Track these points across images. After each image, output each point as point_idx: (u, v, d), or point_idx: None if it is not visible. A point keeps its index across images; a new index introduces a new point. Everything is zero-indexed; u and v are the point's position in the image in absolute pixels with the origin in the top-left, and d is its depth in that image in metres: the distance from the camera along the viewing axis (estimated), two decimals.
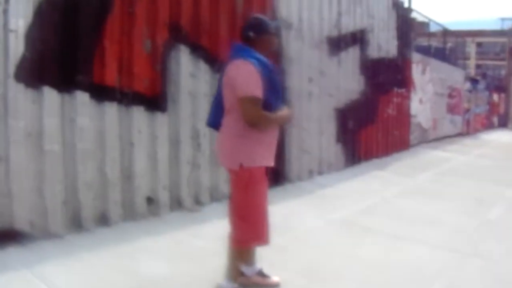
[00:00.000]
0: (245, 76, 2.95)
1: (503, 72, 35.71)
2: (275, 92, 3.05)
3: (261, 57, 3.01)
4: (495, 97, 27.47)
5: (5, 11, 3.78)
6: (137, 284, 3.43)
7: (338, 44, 7.92)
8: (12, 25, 3.82)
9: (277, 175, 6.51)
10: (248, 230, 3.11)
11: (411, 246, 4.65)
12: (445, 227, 5.29)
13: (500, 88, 29.59)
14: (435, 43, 18.55)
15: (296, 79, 6.91)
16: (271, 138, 3.12)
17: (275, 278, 3.40)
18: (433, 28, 19.82)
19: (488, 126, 24.74)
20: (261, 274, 3.38)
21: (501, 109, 29.26)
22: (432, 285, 3.70)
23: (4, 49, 3.79)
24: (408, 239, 4.83)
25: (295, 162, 7.01)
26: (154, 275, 3.60)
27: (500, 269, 4.18)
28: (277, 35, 3.09)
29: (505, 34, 40.27)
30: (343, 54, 8.22)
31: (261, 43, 3.07)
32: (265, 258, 3.42)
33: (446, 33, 19.08)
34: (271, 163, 3.12)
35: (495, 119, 27.42)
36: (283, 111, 3.14)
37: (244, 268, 3.29)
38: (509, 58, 32.47)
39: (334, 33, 7.79)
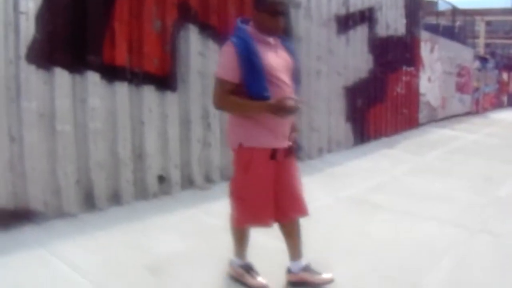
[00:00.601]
0: (221, 56, 2.95)
1: None
2: (255, 74, 2.76)
3: (247, 35, 2.80)
4: (505, 76, 27.16)
5: None
6: (151, 261, 3.49)
7: (346, 22, 7.87)
8: (22, 7, 3.83)
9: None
10: (246, 211, 3.00)
11: (421, 223, 4.68)
12: (454, 204, 5.32)
13: (509, 66, 29.22)
14: (443, 22, 18.34)
15: (305, 58, 6.87)
16: (275, 121, 2.84)
17: (326, 275, 3.17)
18: (441, 7, 19.52)
19: (497, 105, 24.54)
20: (307, 269, 3.15)
21: (511, 88, 29.01)
22: (441, 260, 3.74)
23: (15, 31, 3.81)
24: (418, 216, 4.86)
25: (304, 140, 7.03)
26: (167, 252, 3.68)
27: (506, 244, 4.22)
28: (279, 13, 2.79)
29: None
30: (351, 33, 8.17)
31: (259, 21, 2.83)
32: (276, 235, 3.44)
33: (455, 11, 18.85)
34: (275, 144, 2.89)
35: (504, 98, 27.16)
36: (271, 101, 2.75)
37: (232, 260, 3.28)
38: None
39: (342, 11, 7.74)
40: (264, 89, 2.77)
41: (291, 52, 3.02)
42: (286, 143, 2.95)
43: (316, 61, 7.21)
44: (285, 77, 2.86)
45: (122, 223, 4.18)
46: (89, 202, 4.40)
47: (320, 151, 7.47)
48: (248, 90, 2.78)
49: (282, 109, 2.73)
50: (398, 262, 3.68)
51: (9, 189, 3.87)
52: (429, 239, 4.19)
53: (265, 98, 2.75)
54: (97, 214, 4.36)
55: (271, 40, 2.87)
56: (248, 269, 3.21)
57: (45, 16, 3.95)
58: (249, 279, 3.17)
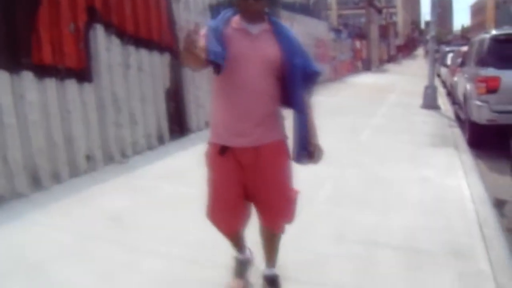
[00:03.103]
0: None
1: (363, 20, 39.10)
2: (212, 40, 2.45)
3: (223, 20, 2.61)
4: (358, 44, 30.64)
5: None
6: (103, 217, 4.43)
7: (218, 10, 9.03)
8: None
9: (182, 128, 7.75)
10: (207, 207, 2.84)
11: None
12: (327, 150, 6.84)
13: (361, 35, 32.83)
14: None
15: None
16: (227, 111, 2.65)
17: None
18: None
19: (353, 70, 27.87)
20: (271, 281, 3.06)
21: (364, 55, 32.67)
22: (323, 185, 5.26)
23: None
24: None
25: (193, 116, 8.18)
26: (110, 206, 4.70)
27: (367, 172, 5.91)
28: None
29: None
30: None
31: (236, 5, 2.62)
32: None
33: None
34: (228, 141, 2.65)
35: (359, 64, 30.71)
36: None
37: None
38: (367, 7, 35.61)
39: (213, 1, 8.89)
40: (216, 47, 2.46)
41: (283, 43, 2.62)
42: (247, 143, 2.62)
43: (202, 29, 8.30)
44: (251, 67, 2.56)
45: (70, 195, 5.03)
46: (37, 183, 5.15)
47: (207, 124, 8.64)
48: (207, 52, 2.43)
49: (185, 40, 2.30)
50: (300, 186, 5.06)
51: None
52: (313, 174, 5.59)
53: (217, 53, 2.45)
54: (45, 192, 5.13)
55: (253, 29, 2.59)
56: (238, 264, 3.14)
57: None
58: (231, 278, 3.13)
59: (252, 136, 2.61)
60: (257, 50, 2.57)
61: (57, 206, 4.74)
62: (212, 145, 2.72)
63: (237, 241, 3.05)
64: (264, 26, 2.64)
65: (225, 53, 2.48)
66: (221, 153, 2.65)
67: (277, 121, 2.74)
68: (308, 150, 2.76)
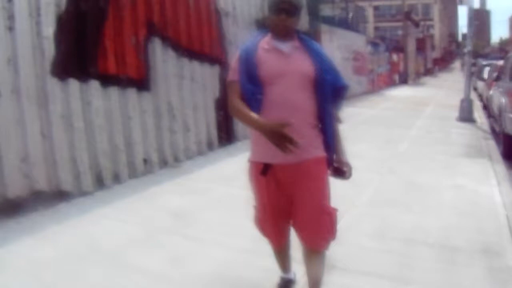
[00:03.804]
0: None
1: (399, 32, 39.11)
2: (247, 73, 2.60)
3: (253, 43, 2.69)
4: (395, 57, 30.85)
5: (38, 23, 4.95)
6: (165, 213, 4.86)
7: (263, 24, 9.44)
8: (44, 32, 4.99)
9: (229, 136, 8.16)
10: (255, 220, 2.97)
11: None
12: (368, 159, 7.18)
13: (398, 48, 32.98)
14: (330, 9, 20.54)
15: (233, 58, 8.35)
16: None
17: None
18: None
19: (390, 83, 28.07)
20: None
21: (401, 68, 32.77)
22: (365, 190, 5.55)
23: (41, 52, 4.97)
24: None
25: (240, 125, 8.56)
26: (170, 205, 5.11)
27: (405, 179, 6.17)
28: (281, 10, 2.62)
29: None
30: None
31: (268, 23, 2.71)
32: None
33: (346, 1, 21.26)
34: (268, 159, 2.64)
35: (396, 77, 30.88)
36: (267, 122, 2.44)
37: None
38: (405, 20, 35.62)
39: (260, 15, 9.33)
40: (255, 92, 2.60)
41: (315, 58, 2.69)
42: (288, 160, 2.53)
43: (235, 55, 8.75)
44: (289, 84, 2.59)
45: (132, 194, 5.48)
46: (100, 182, 5.63)
47: None
48: (241, 87, 2.62)
49: (274, 134, 2.35)
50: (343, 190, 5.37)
51: (44, 175, 5.03)
52: (355, 179, 5.90)
53: (255, 100, 2.58)
54: (107, 191, 5.61)
55: (284, 47, 2.66)
56: (282, 283, 3.18)
57: (60, 39, 5.12)
58: None
59: (295, 153, 2.42)
60: (292, 66, 2.63)
61: (121, 203, 5.19)
62: (253, 163, 2.74)
63: (284, 257, 3.10)
64: (295, 43, 2.70)
65: (262, 99, 2.57)
66: (263, 173, 2.66)
67: (317, 136, 2.71)
68: (337, 167, 2.82)
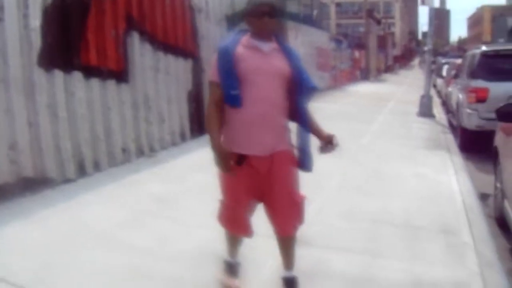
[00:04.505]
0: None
1: (361, 29, 39.92)
2: (226, 74, 2.80)
3: (233, 41, 2.86)
4: (357, 53, 31.68)
5: (25, 15, 5.14)
6: (147, 198, 5.18)
7: (233, 20, 9.78)
8: (32, 25, 5.19)
9: (200, 128, 8.49)
10: (221, 212, 3.14)
11: (320, 161, 6.88)
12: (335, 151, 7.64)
13: (360, 45, 33.80)
14: (295, 6, 20.89)
15: (205, 52, 8.67)
16: (243, 122, 2.83)
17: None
18: None
19: (352, 79, 28.87)
20: (289, 283, 3.20)
21: (362, 64, 33.66)
22: (332, 178, 6.06)
23: (29, 44, 5.17)
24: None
25: None
26: (151, 191, 5.42)
27: (370, 169, 6.71)
28: (263, 13, 2.79)
29: None
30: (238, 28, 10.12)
31: (249, 25, 2.89)
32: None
33: None
34: (245, 150, 2.84)
35: (357, 73, 31.74)
36: (217, 152, 2.81)
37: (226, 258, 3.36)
38: (367, 17, 36.46)
39: (229, 12, 9.65)
40: (231, 88, 2.78)
41: (291, 60, 2.90)
42: (264, 151, 2.84)
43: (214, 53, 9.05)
44: (266, 81, 2.79)
45: (115, 180, 5.77)
46: (82, 170, 5.87)
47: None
48: (221, 87, 2.81)
49: (217, 159, 2.81)
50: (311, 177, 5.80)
51: (31, 163, 5.25)
52: (325, 169, 6.35)
53: (232, 96, 2.79)
54: (88, 178, 5.86)
55: (264, 47, 2.84)
56: (230, 267, 3.31)
57: (46, 31, 5.33)
58: (224, 279, 3.29)
59: (269, 145, 2.82)
60: (271, 65, 2.83)
61: (103, 189, 5.47)
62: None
63: (238, 245, 3.28)
64: (273, 44, 2.88)
65: (239, 94, 2.78)
66: (238, 163, 2.83)
67: (287, 131, 2.97)
68: (325, 143, 3.04)
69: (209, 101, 2.92)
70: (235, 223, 3.09)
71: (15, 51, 5.01)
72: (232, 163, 2.84)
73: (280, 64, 2.86)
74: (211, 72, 2.91)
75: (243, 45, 2.85)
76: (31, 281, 3.35)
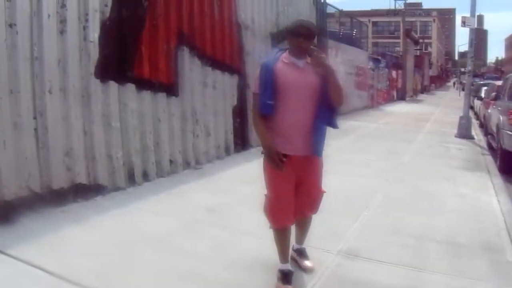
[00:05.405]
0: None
1: (397, 48, 39.63)
2: (265, 86, 3.22)
3: (273, 58, 3.31)
4: (394, 73, 31.44)
5: (85, 28, 5.36)
6: (197, 207, 5.25)
7: (277, 37, 9.92)
8: (90, 37, 5.40)
9: (244, 142, 8.59)
10: (267, 207, 3.44)
11: (357, 178, 6.87)
12: (374, 168, 7.63)
13: (397, 65, 33.56)
14: (335, 25, 20.97)
15: (250, 68, 8.79)
16: (284, 128, 3.27)
17: (309, 263, 3.81)
18: (328, 10, 21.97)
19: (389, 99, 28.63)
20: (299, 253, 3.88)
21: (399, 84, 33.41)
22: (376, 194, 6.02)
23: (87, 55, 5.37)
24: (354, 175, 7.06)
25: (254, 132, 8.97)
26: (200, 201, 5.50)
27: (412, 186, 6.64)
28: (301, 34, 3.20)
29: (398, 14, 44.97)
30: (281, 45, 10.26)
31: (288, 43, 3.31)
32: None
33: (350, 17, 21.90)
34: (285, 150, 3.26)
35: (394, 93, 31.43)
36: (271, 146, 3.25)
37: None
38: (404, 37, 36.39)
39: (274, 29, 9.80)
40: (268, 98, 3.22)
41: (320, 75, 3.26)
42: (300, 151, 3.30)
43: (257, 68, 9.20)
44: (301, 93, 3.23)
45: (162, 191, 5.86)
46: (131, 179, 6.01)
47: None
48: (259, 97, 3.26)
49: (269, 157, 3.26)
50: (351, 195, 5.78)
51: (84, 170, 5.41)
52: (365, 186, 6.39)
53: (267, 105, 3.22)
54: (138, 187, 6.00)
55: (300, 63, 3.26)
56: (282, 275, 3.50)
57: (103, 43, 5.53)
58: (280, 286, 3.47)
59: (305, 148, 3.29)
60: (305, 79, 3.26)
61: (153, 198, 5.58)
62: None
63: (288, 242, 3.56)
64: (307, 60, 3.29)
65: (272, 104, 3.23)
66: (281, 160, 3.25)
67: (313, 135, 3.32)
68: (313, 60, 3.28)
69: (254, 109, 3.38)
70: (279, 213, 3.38)
71: (75, 62, 5.22)
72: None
73: (312, 78, 3.28)
74: (254, 85, 3.37)
75: (282, 62, 3.30)
76: (95, 281, 3.45)
